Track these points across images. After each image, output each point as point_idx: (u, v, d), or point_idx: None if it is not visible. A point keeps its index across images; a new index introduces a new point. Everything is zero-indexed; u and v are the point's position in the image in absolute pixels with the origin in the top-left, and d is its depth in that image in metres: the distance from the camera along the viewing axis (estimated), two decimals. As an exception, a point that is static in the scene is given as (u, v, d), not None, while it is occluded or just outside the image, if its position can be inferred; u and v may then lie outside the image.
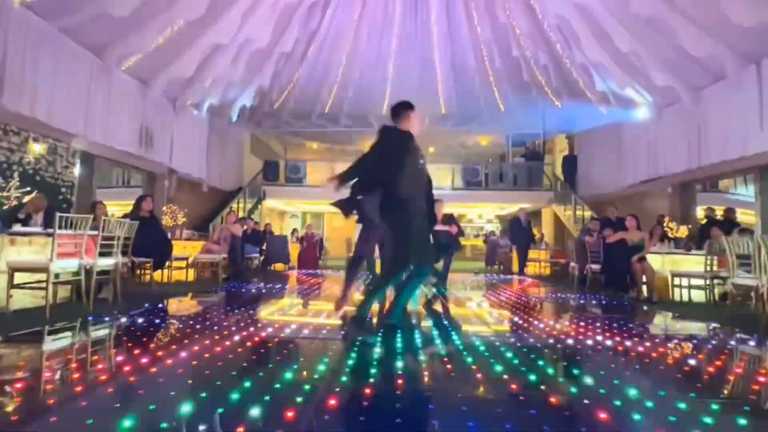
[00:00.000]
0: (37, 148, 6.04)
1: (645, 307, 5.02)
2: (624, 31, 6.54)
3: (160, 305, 4.33)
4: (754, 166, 6.75)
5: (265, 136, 14.88)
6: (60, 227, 3.56)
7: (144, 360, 2.12)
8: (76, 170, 6.75)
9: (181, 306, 4.55)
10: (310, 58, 9.16)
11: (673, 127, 8.17)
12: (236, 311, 3.94)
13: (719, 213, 7.61)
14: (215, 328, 3.05)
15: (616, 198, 10.19)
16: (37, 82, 5.73)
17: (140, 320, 3.40)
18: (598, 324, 3.53)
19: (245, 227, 8.15)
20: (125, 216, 5.75)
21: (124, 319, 3.41)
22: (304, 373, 1.99)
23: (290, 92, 11.01)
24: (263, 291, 5.72)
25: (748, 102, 6.48)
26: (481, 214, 19.15)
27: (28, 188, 5.54)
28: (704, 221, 7.73)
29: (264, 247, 9.34)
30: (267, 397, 1.62)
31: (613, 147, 10.31)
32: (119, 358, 2.23)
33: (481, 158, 15.75)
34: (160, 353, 2.30)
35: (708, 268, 5.29)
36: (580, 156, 12.43)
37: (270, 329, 3.07)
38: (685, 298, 5.67)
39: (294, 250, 10.65)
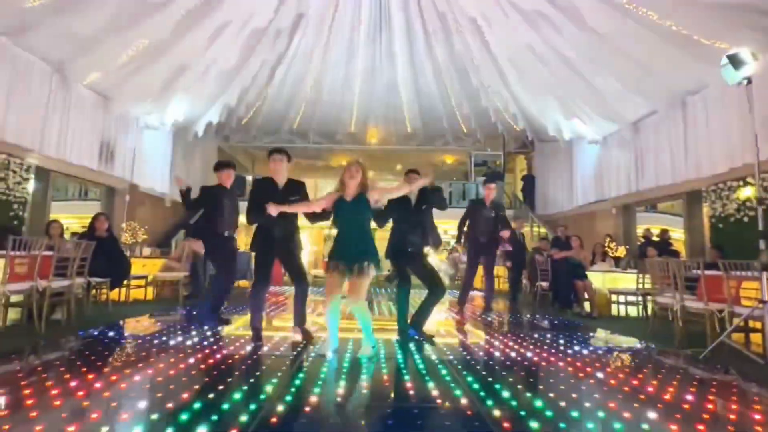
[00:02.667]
0: (-12, 164, 5.88)
1: (585, 323, 5.44)
2: (567, 68, 7.17)
3: (113, 327, 4.32)
4: (682, 192, 7.49)
5: (233, 150, 14.81)
6: (13, 248, 3.56)
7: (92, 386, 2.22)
8: (30, 186, 6.58)
9: (136, 327, 4.54)
10: (277, 78, 9.35)
11: (616, 154, 8.92)
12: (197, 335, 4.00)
13: (655, 233, 8.32)
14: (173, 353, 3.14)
15: (569, 217, 10.88)
16: (-9, 97, 5.64)
17: (90, 344, 3.43)
18: (536, 339, 3.88)
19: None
20: (81, 235, 5.67)
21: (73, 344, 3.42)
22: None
23: (258, 109, 11.14)
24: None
25: (676, 134, 7.24)
26: (446, 230, 19.69)
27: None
28: (642, 240, 8.43)
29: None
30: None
31: (566, 170, 11.06)
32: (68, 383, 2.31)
33: (446, 176, 16.31)
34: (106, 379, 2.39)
35: (640, 286, 5.83)
36: (536, 177, 13.17)
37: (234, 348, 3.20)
38: (623, 313, 6.19)
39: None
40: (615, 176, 8.97)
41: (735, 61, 3.25)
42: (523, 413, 1.92)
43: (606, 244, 7.34)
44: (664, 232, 8.02)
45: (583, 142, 9.88)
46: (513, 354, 3.27)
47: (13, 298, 3.95)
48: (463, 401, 2.08)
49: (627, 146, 8.43)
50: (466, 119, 11.64)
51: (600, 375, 2.68)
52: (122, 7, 5.66)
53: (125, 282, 5.74)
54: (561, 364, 2.95)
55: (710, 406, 2.13)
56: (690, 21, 5.38)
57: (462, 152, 14.52)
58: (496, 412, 1.92)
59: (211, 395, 2.08)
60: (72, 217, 11.35)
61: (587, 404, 2.10)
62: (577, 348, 3.58)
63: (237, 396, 2.08)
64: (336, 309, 3.03)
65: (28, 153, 6.43)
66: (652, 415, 1.95)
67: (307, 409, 1.95)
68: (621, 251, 7.28)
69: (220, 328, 4.07)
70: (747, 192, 6.22)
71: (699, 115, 6.74)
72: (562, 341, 3.85)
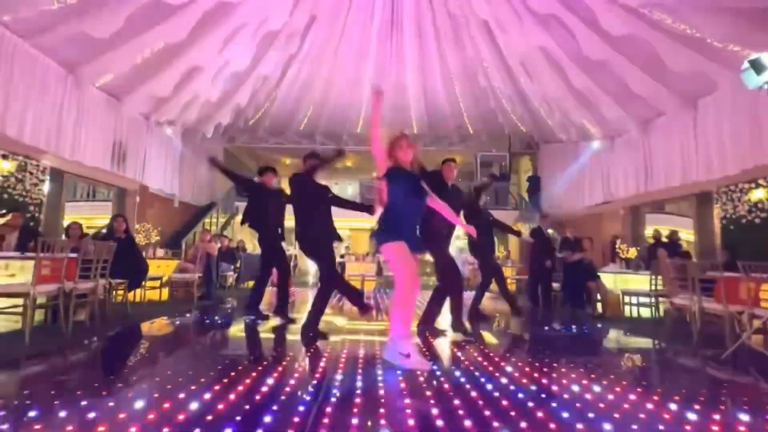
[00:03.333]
0: (5, 166, 5.92)
1: (599, 324, 5.47)
2: (578, 70, 7.21)
3: (139, 327, 4.36)
4: (692, 193, 7.53)
5: (239, 151, 14.87)
6: (42, 250, 3.59)
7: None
8: (45, 187, 6.63)
9: (160, 327, 4.58)
10: (287, 80, 9.40)
11: (624, 155, 8.96)
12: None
13: (664, 234, 8.35)
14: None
15: (576, 218, 10.92)
16: (9, 99, 5.68)
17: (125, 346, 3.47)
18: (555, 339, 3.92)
19: (219, 245, 8.16)
20: (96, 235, 5.72)
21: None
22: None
23: (266, 110, 11.19)
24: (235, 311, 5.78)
25: (686, 136, 7.29)
26: (451, 230, 19.67)
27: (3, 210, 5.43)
28: (652, 242, 8.46)
29: (238, 265, 9.34)
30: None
31: (572, 171, 11.10)
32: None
33: (451, 177, 16.31)
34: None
35: (653, 287, 5.87)
36: (542, 178, 13.21)
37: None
38: (635, 314, 6.22)
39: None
40: (623, 177, 9.01)
41: (757, 66, 3.29)
42: (565, 415, 1.96)
43: (617, 245, 7.37)
44: (673, 233, 8.05)
45: (590, 143, 9.91)
46: (536, 356, 3.31)
47: (39, 300, 3.99)
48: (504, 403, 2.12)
49: (636, 147, 8.47)
50: (472, 120, 11.68)
51: (627, 376, 2.72)
52: (139, 9, 5.69)
53: (143, 283, 5.78)
54: (589, 365, 2.99)
55: (746, 407, 2.17)
56: (703, 24, 5.41)
57: (468, 153, 14.55)
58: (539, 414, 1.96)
59: (265, 389, 2.12)
60: (81, 218, 11.37)
61: (625, 406, 2.14)
62: (599, 349, 3.62)
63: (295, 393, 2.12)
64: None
65: (44, 155, 6.47)
66: (691, 416, 2.00)
67: (357, 401, 1.98)
68: (632, 252, 7.31)
69: (260, 322, 4.38)
70: (759, 194, 6.27)
71: (710, 117, 6.78)
72: (586, 343, 3.89)
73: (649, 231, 9.45)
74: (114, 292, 5.53)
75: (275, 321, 4.54)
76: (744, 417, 2.02)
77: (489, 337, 4.06)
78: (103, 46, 6.30)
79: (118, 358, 3.11)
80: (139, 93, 7.68)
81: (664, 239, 8.14)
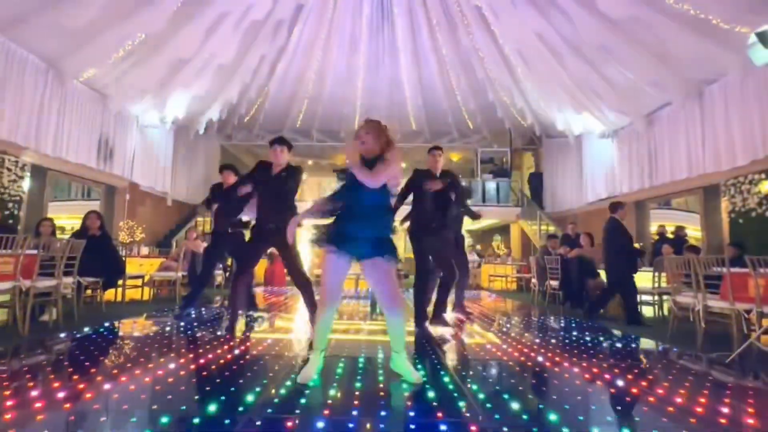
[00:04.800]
0: (-19, 162, 5.77)
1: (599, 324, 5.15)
2: (577, 58, 6.88)
3: (108, 328, 4.14)
4: (699, 186, 7.17)
5: (236, 149, 14.71)
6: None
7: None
8: (26, 184, 6.46)
9: (128, 329, 4.36)
10: (278, 74, 9.17)
11: (628, 149, 8.60)
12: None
13: (670, 230, 7.99)
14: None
15: (579, 214, 10.56)
16: (-16, 94, 5.53)
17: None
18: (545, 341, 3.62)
19: (207, 244, 7.95)
20: (75, 233, 5.51)
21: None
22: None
23: (260, 106, 10.99)
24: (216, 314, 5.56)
25: (692, 127, 6.93)
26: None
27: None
28: (656, 238, 8.10)
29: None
30: None
31: (575, 166, 10.74)
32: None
33: (451, 174, 15.98)
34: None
35: (655, 285, 5.54)
36: (544, 173, 12.86)
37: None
38: (637, 313, 5.88)
39: (260, 266, 10.43)
40: (627, 171, 8.66)
41: (765, 38, 2.97)
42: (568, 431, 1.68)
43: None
44: (679, 229, 7.69)
45: (593, 137, 9.56)
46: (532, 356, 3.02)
47: (1, 299, 3.80)
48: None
49: (640, 140, 8.12)
50: (471, 115, 11.37)
51: (627, 382, 2.43)
52: (113, -2, 5.50)
53: (119, 282, 5.58)
54: (595, 369, 2.71)
55: (751, 421, 1.87)
56: (709, 4, 5.07)
57: (468, 149, 14.25)
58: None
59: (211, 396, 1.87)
60: (75, 217, 11.27)
61: (633, 416, 1.86)
62: (599, 351, 3.32)
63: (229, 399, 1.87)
64: (331, 319, 2.39)
65: (23, 151, 6.31)
66: (692, 424, 1.71)
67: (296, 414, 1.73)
68: (635, 249, 6.94)
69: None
70: (770, 185, 5.90)
71: (717, 105, 6.43)
72: (583, 344, 3.60)
73: (654, 227, 9.08)
74: (91, 292, 5.35)
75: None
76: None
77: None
78: (82, 38, 6.12)
79: (67, 363, 2.88)
80: (124, 87, 7.50)
81: (669, 235, 7.78)
